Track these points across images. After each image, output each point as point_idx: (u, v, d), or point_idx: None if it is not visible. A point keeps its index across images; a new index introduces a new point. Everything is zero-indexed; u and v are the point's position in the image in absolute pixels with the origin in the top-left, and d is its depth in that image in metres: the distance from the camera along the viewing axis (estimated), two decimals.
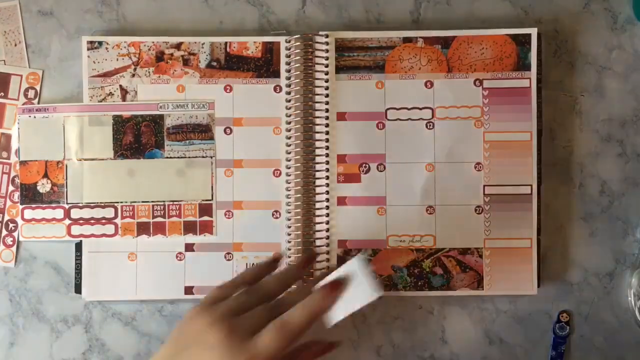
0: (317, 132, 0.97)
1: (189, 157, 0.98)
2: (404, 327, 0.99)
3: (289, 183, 0.98)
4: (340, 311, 0.84)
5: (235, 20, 1.00)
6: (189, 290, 0.98)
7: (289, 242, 0.97)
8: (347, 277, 0.84)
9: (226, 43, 0.99)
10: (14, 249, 0.99)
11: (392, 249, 0.98)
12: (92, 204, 0.98)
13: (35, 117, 0.98)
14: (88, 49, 0.99)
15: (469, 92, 0.97)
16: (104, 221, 0.98)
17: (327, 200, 0.97)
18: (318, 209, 0.97)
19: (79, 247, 0.98)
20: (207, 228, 0.98)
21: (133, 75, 0.99)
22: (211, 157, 0.98)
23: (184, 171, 0.98)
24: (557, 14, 1.00)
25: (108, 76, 0.98)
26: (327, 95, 0.97)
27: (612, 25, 1.00)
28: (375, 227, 0.97)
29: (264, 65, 0.98)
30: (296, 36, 0.97)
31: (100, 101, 0.98)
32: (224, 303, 0.85)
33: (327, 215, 0.97)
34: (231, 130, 0.98)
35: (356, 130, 0.98)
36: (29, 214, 0.98)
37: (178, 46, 0.99)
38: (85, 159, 0.98)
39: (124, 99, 0.98)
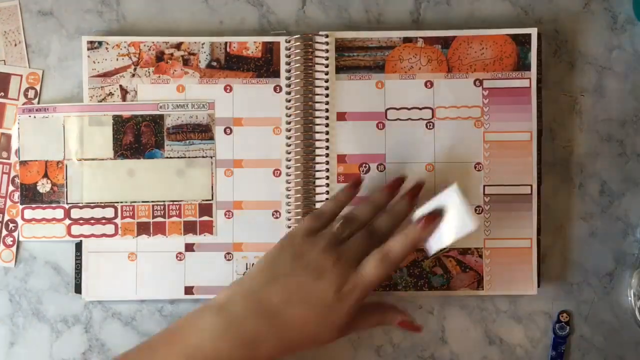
0: (317, 132, 0.97)
1: (189, 157, 0.98)
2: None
3: (289, 183, 0.98)
4: (438, 241, 0.87)
5: (235, 20, 1.00)
6: (189, 290, 0.98)
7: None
8: (444, 208, 0.87)
9: (226, 43, 0.99)
10: (14, 249, 0.99)
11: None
12: (92, 204, 0.98)
13: (35, 117, 0.98)
14: (88, 49, 0.98)
15: (469, 92, 0.97)
16: (104, 221, 0.98)
17: (328, 200, 0.97)
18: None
19: (79, 247, 0.98)
20: (207, 228, 0.98)
21: (133, 75, 0.99)
22: (211, 157, 0.98)
23: (184, 171, 0.98)
24: (557, 14, 1.00)
25: (108, 76, 0.98)
26: (327, 95, 0.97)
27: (612, 25, 1.00)
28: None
29: (264, 65, 0.98)
30: (296, 36, 0.97)
31: (100, 101, 0.98)
32: (326, 232, 0.89)
33: None
34: (231, 130, 0.98)
35: (356, 130, 0.98)
36: (29, 214, 0.98)
37: (178, 46, 0.99)
38: (85, 159, 0.98)
39: (124, 99, 0.98)
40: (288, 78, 0.98)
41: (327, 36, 0.97)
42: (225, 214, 0.98)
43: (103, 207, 0.98)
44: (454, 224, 0.86)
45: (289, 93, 0.98)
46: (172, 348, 0.84)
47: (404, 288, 0.97)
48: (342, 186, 0.95)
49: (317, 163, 0.97)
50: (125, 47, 0.99)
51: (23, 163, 0.98)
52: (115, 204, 0.98)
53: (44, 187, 0.98)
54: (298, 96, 0.97)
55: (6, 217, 0.99)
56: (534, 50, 0.97)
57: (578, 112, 0.99)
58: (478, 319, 0.99)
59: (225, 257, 0.98)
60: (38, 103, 0.99)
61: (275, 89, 0.98)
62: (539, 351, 0.99)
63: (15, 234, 0.99)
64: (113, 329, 0.99)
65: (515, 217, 0.96)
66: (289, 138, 0.98)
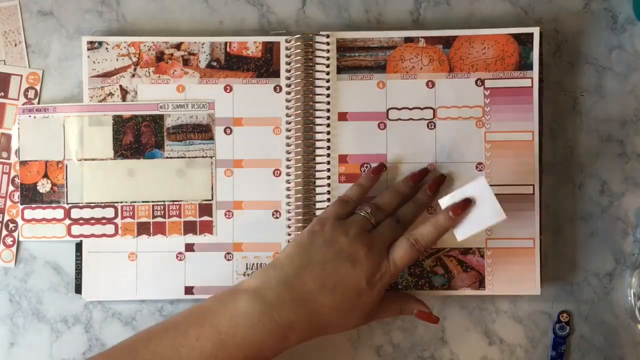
0: (318, 132, 0.97)
1: (189, 157, 0.98)
2: (404, 327, 0.99)
3: (289, 183, 0.98)
4: (467, 228, 0.89)
5: (235, 20, 1.00)
6: (189, 290, 0.98)
7: (289, 242, 0.97)
8: (473, 197, 0.88)
9: (226, 43, 0.99)
10: (14, 249, 0.99)
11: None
12: (92, 204, 0.98)
13: (35, 117, 0.98)
14: (88, 49, 0.98)
15: (470, 92, 0.97)
16: (104, 221, 0.98)
17: (329, 200, 0.97)
18: (318, 209, 0.97)
19: (79, 247, 0.98)
20: (207, 228, 0.98)
21: (133, 76, 0.98)
22: (211, 157, 0.98)
23: (184, 171, 0.98)
24: (557, 14, 1.00)
25: (108, 76, 0.98)
26: (328, 96, 0.97)
27: (612, 25, 1.00)
28: None
29: (264, 65, 0.98)
30: (296, 36, 0.97)
31: (100, 101, 0.98)
32: (356, 219, 0.91)
33: None
34: (231, 130, 0.98)
35: (357, 130, 0.98)
36: (29, 214, 0.98)
37: (178, 46, 0.99)
38: (85, 159, 0.98)
39: (124, 99, 0.98)
40: (288, 78, 0.98)
41: (328, 36, 0.97)
42: (225, 214, 0.98)
43: (103, 207, 0.98)
44: (484, 212, 0.88)
45: (289, 93, 0.98)
46: (203, 331, 0.85)
47: (404, 287, 0.97)
48: (344, 186, 0.96)
49: (318, 163, 0.97)
50: (125, 47, 0.98)
51: (23, 163, 0.98)
52: (115, 204, 0.98)
53: (44, 187, 0.98)
54: (298, 96, 0.97)
55: (6, 217, 0.99)
56: (536, 50, 0.97)
57: (578, 112, 0.99)
58: (478, 319, 0.99)
59: (225, 257, 0.98)
60: (38, 103, 0.99)
61: (275, 89, 0.98)
62: (539, 351, 0.99)
63: (15, 234, 0.99)
64: (113, 329, 0.99)
65: (517, 217, 0.96)
66: (289, 138, 0.98)
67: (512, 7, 1.00)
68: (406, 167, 0.97)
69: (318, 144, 0.97)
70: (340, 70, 0.98)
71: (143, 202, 0.98)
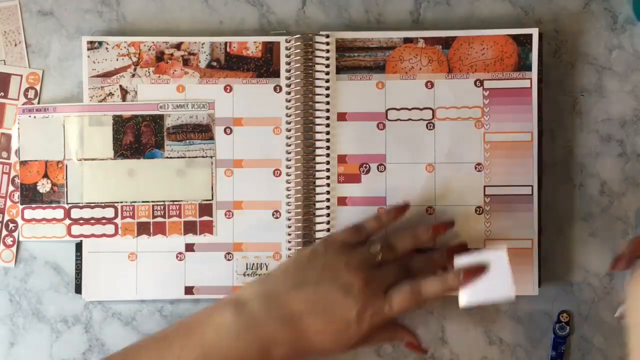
0: (318, 132, 0.97)
1: (189, 157, 0.98)
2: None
3: (289, 183, 0.98)
4: (473, 296, 0.87)
5: (235, 20, 1.00)
6: (189, 290, 0.98)
7: (289, 242, 0.97)
8: (488, 265, 0.87)
9: (226, 43, 0.99)
10: (14, 249, 0.99)
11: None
12: (92, 204, 0.98)
13: (35, 117, 0.98)
14: (88, 49, 0.98)
15: (469, 93, 0.97)
16: (104, 221, 0.98)
17: (328, 200, 0.97)
18: (318, 209, 0.97)
19: (79, 247, 0.98)
20: (207, 228, 0.98)
21: (133, 75, 0.99)
22: (211, 157, 0.98)
23: (184, 171, 0.98)
24: (557, 14, 1.00)
25: (108, 76, 0.98)
26: (327, 96, 0.97)
27: (612, 25, 1.00)
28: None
29: (264, 65, 0.98)
30: (296, 36, 0.97)
31: (101, 101, 0.98)
32: (363, 251, 0.90)
33: (328, 215, 0.97)
34: (231, 130, 0.98)
35: (357, 130, 0.98)
36: (29, 214, 0.98)
37: (178, 46, 0.99)
38: (85, 159, 0.98)
39: (124, 99, 0.98)
40: (288, 78, 0.98)
41: (327, 36, 0.97)
42: (225, 214, 0.98)
43: (103, 207, 0.98)
44: (495, 285, 0.87)
45: (289, 93, 0.98)
46: (189, 342, 0.85)
47: None
48: (343, 186, 0.96)
49: (318, 163, 0.97)
50: (125, 47, 0.99)
51: (23, 163, 0.98)
52: (115, 204, 0.98)
53: (44, 187, 0.98)
54: (298, 96, 0.97)
55: (6, 217, 0.99)
56: (535, 51, 0.97)
57: (578, 112, 0.99)
58: (478, 319, 0.99)
59: (225, 257, 0.98)
60: (38, 103, 0.99)
61: (275, 89, 0.98)
62: (539, 351, 0.99)
63: (15, 234, 0.99)
64: (113, 329, 0.99)
65: (516, 218, 0.96)
66: (289, 138, 0.98)
67: (512, 7, 0.99)
68: (406, 168, 0.97)
69: (318, 144, 0.97)
70: (339, 70, 0.98)
71: (143, 202, 0.98)
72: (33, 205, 0.98)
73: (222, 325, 0.85)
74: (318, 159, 0.97)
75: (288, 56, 0.98)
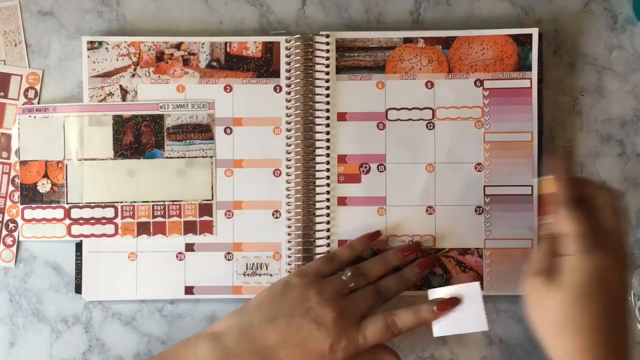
0: (318, 132, 0.97)
1: (189, 157, 0.98)
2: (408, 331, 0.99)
3: (289, 183, 0.98)
4: (446, 327, 0.89)
5: (235, 20, 1.00)
6: (189, 290, 0.98)
7: (289, 242, 0.97)
8: (462, 297, 0.89)
9: (226, 43, 0.99)
10: (14, 249, 0.99)
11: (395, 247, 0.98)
12: (92, 204, 0.98)
13: (35, 117, 0.98)
14: (88, 49, 0.98)
15: (469, 93, 0.97)
16: (104, 221, 0.98)
17: (328, 200, 0.97)
18: (318, 209, 0.97)
19: (79, 247, 0.98)
20: (207, 228, 0.98)
21: (133, 75, 0.99)
22: (211, 157, 0.98)
23: (184, 171, 0.98)
24: (557, 14, 1.00)
25: (108, 76, 0.98)
26: (327, 96, 0.97)
27: (612, 25, 1.00)
28: (376, 227, 0.97)
29: (264, 65, 0.98)
30: (296, 36, 0.98)
31: (100, 101, 0.98)
32: (334, 280, 0.91)
33: (328, 215, 0.97)
34: (231, 130, 0.98)
35: (356, 130, 0.98)
36: (29, 214, 0.98)
37: (178, 46, 0.99)
38: (85, 159, 0.98)
39: (124, 99, 0.98)
40: (288, 78, 0.98)
41: (327, 36, 0.97)
42: (225, 214, 0.98)
43: (103, 207, 0.98)
44: (468, 317, 0.89)
45: (289, 93, 0.98)
46: None
47: None
48: (343, 186, 0.96)
49: (318, 163, 0.97)
50: (125, 47, 0.99)
51: (23, 163, 0.98)
52: (115, 204, 0.98)
53: (44, 187, 0.98)
54: (298, 96, 0.97)
55: (6, 217, 0.99)
56: (535, 51, 0.97)
57: (578, 112, 0.99)
58: None
59: (225, 257, 0.98)
60: (38, 103, 0.99)
61: (275, 89, 0.98)
62: (539, 351, 0.99)
63: (15, 234, 0.99)
64: (113, 329, 0.99)
65: (516, 218, 0.96)
66: (289, 138, 0.98)
67: (512, 7, 0.99)
68: (406, 168, 0.97)
69: (318, 144, 0.97)
70: (339, 70, 0.98)
71: (143, 202, 0.98)
72: (33, 205, 0.98)
73: (197, 357, 0.87)
74: (318, 159, 0.97)
75: (288, 56, 0.98)
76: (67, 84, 1.00)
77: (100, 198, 0.98)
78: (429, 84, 0.97)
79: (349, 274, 0.91)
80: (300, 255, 0.97)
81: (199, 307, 0.99)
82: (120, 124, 0.98)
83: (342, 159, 0.98)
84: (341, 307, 0.88)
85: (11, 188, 0.99)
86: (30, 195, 0.98)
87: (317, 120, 0.97)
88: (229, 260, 0.98)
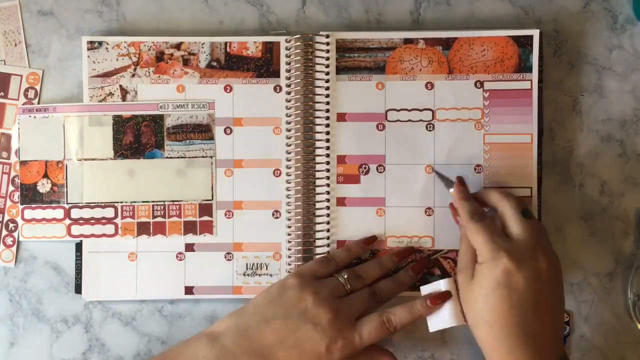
0: (317, 133, 0.97)
1: (189, 157, 0.98)
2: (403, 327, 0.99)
3: (289, 183, 0.98)
4: (440, 321, 0.90)
5: (235, 20, 1.00)
6: (189, 290, 0.98)
7: (289, 242, 0.98)
8: (453, 290, 0.90)
9: (226, 43, 0.99)
10: (14, 249, 0.99)
11: (391, 250, 0.98)
12: (92, 204, 0.98)
13: (35, 117, 0.98)
14: (88, 49, 0.98)
15: (469, 94, 0.97)
16: (104, 221, 0.98)
17: (328, 200, 0.97)
18: (318, 209, 0.97)
19: (79, 247, 0.98)
20: (207, 228, 0.98)
21: (133, 75, 0.98)
22: (211, 157, 0.98)
23: (184, 171, 0.98)
24: (557, 14, 1.00)
25: (108, 76, 0.98)
26: (327, 96, 0.97)
27: (612, 25, 1.00)
28: (375, 228, 0.97)
29: (264, 65, 0.98)
30: (296, 36, 0.97)
31: (100, 101, 0.98)
32: (330, 282, 0.92)
33: (328, 215, 0.97)
34: (231, 130, 0.98)
35: (356, 131, 0.98)
36: (29, 214, 0.98)
37: (178, 46, 0.99)
38: (85, 159, 0.98)
39: (124, 99, 0.98)
40: (288, 78, 0.98)
41: (327, 36, 0.97)
42: (225, 214, 0.98)
43: (103, 207, 0.98)
44: (459, 308, 0.89)
45: (289, 93, 0.98)
46: None
47: None
48: (343, 187, 0.96)
49: (317, 163, 0.97)
50: (125, 47, 0.98)
51: (23, 163, 0.98)
52: (115, 204, 0.98)
53: (44, 187, 0.98)
54: (298, 96, 0.97)
55: (6, 217, 0.99)
56: (536, 52, 0.96)
57: (578, 112, 0.99)
58: None
59: (225, 257, 0.98)
60: (38, 103, 0.99)
61: (275, 89, 0.98)
62: None
63: (15, 234, 0.99)
64: (113, 329, 0.99)
65: None
66: (289, 138, 0.98)
67: (512, 7, 0.99)
68: (405, 169, 0.97)
69: (317, 144, 0.97)
70: (339, 70, 0.98)
71: (143, 202, 0.98)
72: (33, 205, 0.98)
73: (196, 357, 0.87)
74: (318, 159, 0.97)
75: (288, 56, 0.98)
76: (67, 84, 1.00)
77: (100, 198, 0.98)
78: (429, 85, 0.97)
79: (345, 276, 0.92)
80: (300, 255, 0.97)
81: (198, 307, 0.99)
82: (120, 124, 0.98)
83: (341, 159, 0.98)
84: (337, 308, 0.88)
85: (11, 188, 0.99)
86: (30, 195, 0.98)
87: (317, 121, 0.97)
88: (229, 260, 0.98)
